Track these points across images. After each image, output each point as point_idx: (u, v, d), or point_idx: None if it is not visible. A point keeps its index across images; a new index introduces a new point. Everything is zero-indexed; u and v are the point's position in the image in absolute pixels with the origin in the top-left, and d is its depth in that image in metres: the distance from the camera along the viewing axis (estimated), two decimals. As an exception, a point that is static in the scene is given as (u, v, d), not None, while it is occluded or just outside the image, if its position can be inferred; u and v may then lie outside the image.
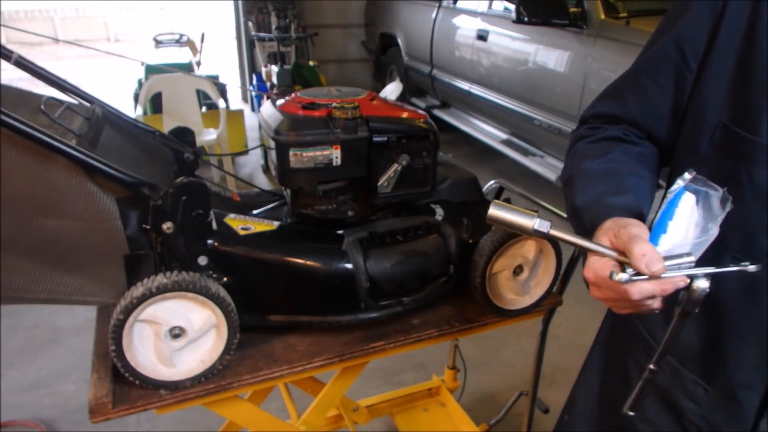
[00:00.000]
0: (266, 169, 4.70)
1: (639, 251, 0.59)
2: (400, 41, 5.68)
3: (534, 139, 4.02)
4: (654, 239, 0.64)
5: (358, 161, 1.20)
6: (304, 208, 1.27)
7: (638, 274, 0.61)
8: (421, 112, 1.29)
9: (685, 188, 0.65)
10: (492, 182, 1.53)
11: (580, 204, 0.76)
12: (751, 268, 0.63)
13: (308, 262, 1.14)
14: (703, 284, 0.62)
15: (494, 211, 0.67)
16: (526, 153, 4.02)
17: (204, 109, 4.51)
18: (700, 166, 0.71)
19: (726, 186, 0.66)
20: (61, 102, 1.13)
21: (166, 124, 3.88)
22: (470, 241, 1.27)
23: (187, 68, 4.75)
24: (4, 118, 0.84)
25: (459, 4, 4.73)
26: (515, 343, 2.67)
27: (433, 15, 5.00)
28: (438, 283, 1.25)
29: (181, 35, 5.90)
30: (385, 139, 1.20)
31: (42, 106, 1.01)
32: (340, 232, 1.22)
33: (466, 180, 1.44)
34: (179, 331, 1.02)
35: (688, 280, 0.62)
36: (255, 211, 1.33)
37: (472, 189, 1.44)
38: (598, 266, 0.64)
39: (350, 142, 1.17)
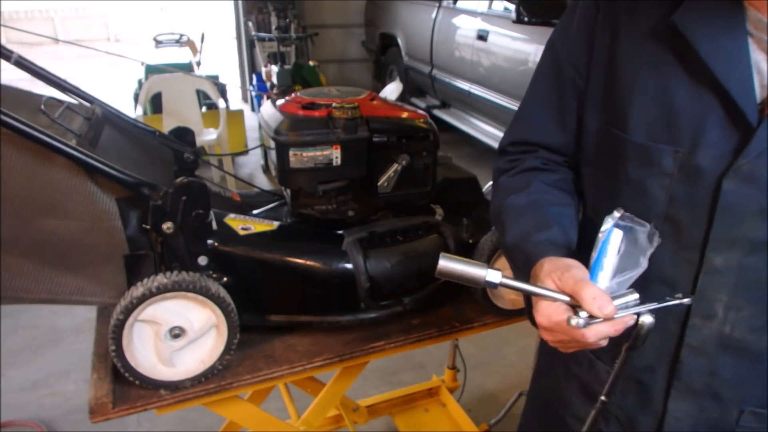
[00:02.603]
0: (266, 169, 4.69)
1: (589, 295, 0.61)
2: (400, 41, 5.68)
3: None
4: (593, 277, 0.67)
5: (358, 161, 1.20)
6: (304, 208, 1.27)
7: (591, 316, 0.62)
8: (421, 112, 1.29)
9: (615, 226, 0.70)
10: (492, 182, 1.53)
11: (510, 243, 0.80)
12: (686, 301, 0.67)
13: (308, 262, 1.14)
14: (648, 320, 0.64)
15: (444, 263, 0.64)
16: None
17: (204, 109, 4.50)
18: (591, 168, 0.80)
19: (609, 183, 0.74)
20: (61, 102, 1.13)
21: (166, 124, 3.88)
22: (470, 241, 1.27)
23: (187, 68, 4.74)
24: (4, 118, 0.85)
25: (459, 4, 4.73)
26: (515, 343, 2.67)
27: (433, 15, 5.00)
28: (438, 283, 1.25)
29: (181, 35, 5.88)
30: (385, 139, 1.20)
31: (42, 106, 1.01)
32: (340, 232, 1.22)
33: (466, 180, 1.44)
34: (179, 331, 1.02)
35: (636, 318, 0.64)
36: (255, 211, 1.33)
37: (472, 189, 1.44)
38: (551, 311, 0.65)
39: (350, 142, 1.17)
